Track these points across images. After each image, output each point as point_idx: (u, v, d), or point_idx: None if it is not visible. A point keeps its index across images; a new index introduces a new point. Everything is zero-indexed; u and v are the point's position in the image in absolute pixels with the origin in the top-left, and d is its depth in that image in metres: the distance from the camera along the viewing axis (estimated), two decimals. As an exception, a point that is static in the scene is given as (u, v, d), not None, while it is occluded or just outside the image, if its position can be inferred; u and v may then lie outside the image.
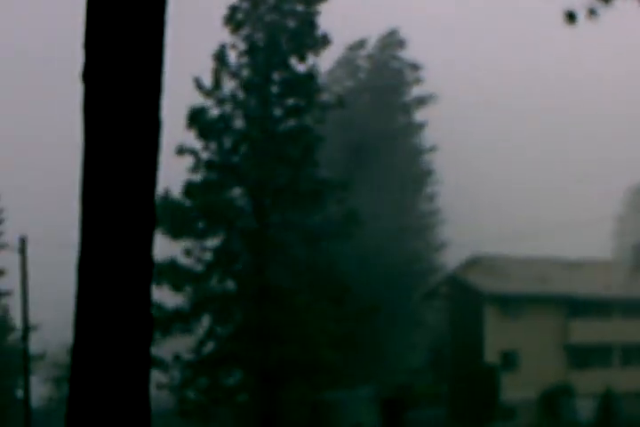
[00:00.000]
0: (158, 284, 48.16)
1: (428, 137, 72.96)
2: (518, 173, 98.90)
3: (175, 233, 50.77)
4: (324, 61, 54.89)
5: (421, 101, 72.55)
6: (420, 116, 72.85)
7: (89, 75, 6.18)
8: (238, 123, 52.89)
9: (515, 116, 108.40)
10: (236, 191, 52.35)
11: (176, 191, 51.71)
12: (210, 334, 51.84)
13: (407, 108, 73.10)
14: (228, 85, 52.17)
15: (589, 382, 56.98)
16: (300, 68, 52.41)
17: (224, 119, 52.27)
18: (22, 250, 44.24)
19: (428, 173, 73.46)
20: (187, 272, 51.25)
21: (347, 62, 75.10)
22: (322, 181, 51.72)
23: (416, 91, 73.15)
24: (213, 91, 51.58)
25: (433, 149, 72.69)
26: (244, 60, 52.24)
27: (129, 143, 6.06)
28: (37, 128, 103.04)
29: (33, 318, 49.28)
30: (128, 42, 6.11)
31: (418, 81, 72.95)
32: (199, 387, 50.79)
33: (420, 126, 73.04)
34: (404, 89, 73.41)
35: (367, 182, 63.61)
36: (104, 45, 6.12)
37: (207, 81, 51.86)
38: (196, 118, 50.75)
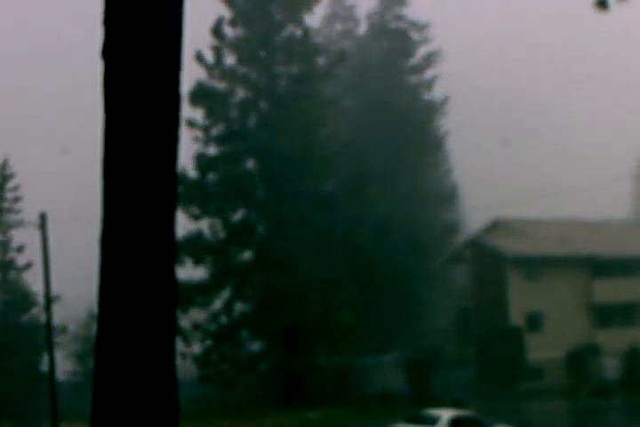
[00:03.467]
0: (179, 259, 48.27)
1: (439, 95, 71.81)
2: (535, 133, 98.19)
3: (194, 212, 50.93)
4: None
5: (429, 60, 71.00)
6: (429, 74, 71.51)
7: (108, 52, 6.12)
8: (243, 95, 52.74)
9: (530, 72, 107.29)
10: (249, 164, 52.20)
11: (188, 166, 51.65)
12: (230, 303, 52.02)
13: (416, 69, 71.63)
14: (229, 59, 52.11)
15: (614, 341, 56.90)
16: (297, 31, 52.22)
17: (229, 92, 52.16)
18: (42, 226, 44.08)
19: (442, 136, 72.51)
20: (207, 246, 51.32)
21: (337, 19, 73.79)
22: (333, 144, 51.48)
23: (422, 50, 71.64)
24: (215, 66, 51.43)
25: (444, 103, 71.18)
26: (240, 31, 52.02)
27: (149, 119, 6.00)
28: (56, 100, 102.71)
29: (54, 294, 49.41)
30: (147, 18, 6.05)
31: (425, 40, 71.41)
32: (222, 356, 51.06)
33: (429, 85, 71.65)
34: (411, 49, 71.85)
35: (381, 145, 63.02)
36: (123, 22, 6.06)
37: (207, 56, 51.83)
38: (201, 93, 50.60)
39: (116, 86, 6.04)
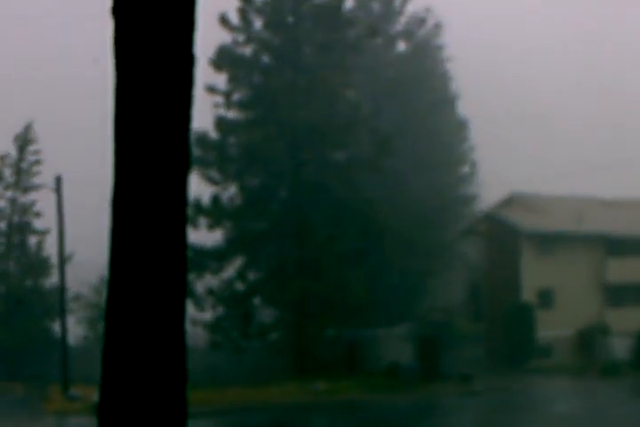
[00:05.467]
0: (194, 222, 48.33)
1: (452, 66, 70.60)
2: (554, 111, 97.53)
3: (212, 176, 50.97)
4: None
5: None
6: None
7: (119, 9, 5.93)
8: (267, 60, 52.50)
9: (549, 49, 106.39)
10: (269, 130, 52.02)
11: (209, 130, 51.68)
12: (243, 271, 52.15)
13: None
14: (255, 24, 51.82)
15: (625, 321, 56.84)
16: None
17: (254, 57, 51.92)
18: (58, 189, 44.30)
19: (456, 97, 71.47)
20: (224, 210, 51.40)
21: None
22: (354, 111, 51.23)
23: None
24: (241, 28, 51.17)
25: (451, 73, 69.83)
26: None
27: (162, 79, 5.85)
28: (72, 65, 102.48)
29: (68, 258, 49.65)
30: None
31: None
32: (233, 323, 51.29)
33: (434, 49, 70.30)
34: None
35: (394, 115, 62.41)
36: None
37: (233, 19, 51.55)
38: (225, 57, 50.39)
39: (127, 46, 5.88)
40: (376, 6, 68.41)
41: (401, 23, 69.83)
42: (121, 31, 5.91)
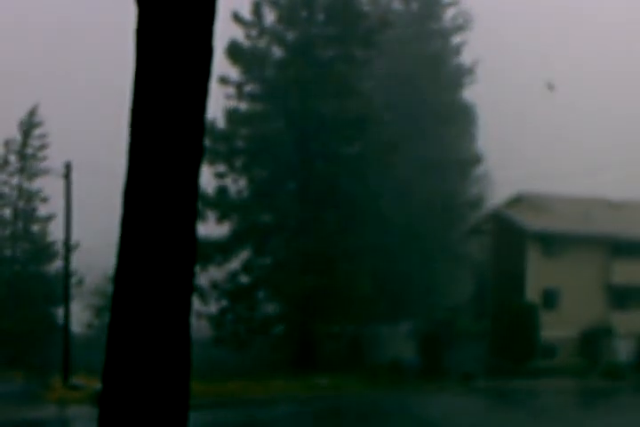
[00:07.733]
0: (202, 215, 48.31)
1: (468, 59, 70.61)
2: (561, 111, 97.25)
3: (220, 169, 50.99)
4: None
5: (458, 26, 69.54)
6: (457, 37, 70.03)
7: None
8: (279, 54, 52.53)
9: (561, 45, 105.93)
10: (279, 123, 52.01)
11: (219, 120, 51.69)
12: (248, 264, 52.16)
13: (444, 34, 70.19)
14: (268, 17, 51.92)
15: (630, 323, 56.71)
16: None
17: (266, 51, 51.94)
18: (67, 175, 44.37)
19: (467, 107, 71.52)
20: (231, 203, 51.41)
21: None
22: (364, 106, 51.22)
23: (451, 12, 70.29)
24: (254, 22, 51.21)
25: (471, 72, 70.02)
26: None
27: (180, 70, 5.92)
28: (87, 52, 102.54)
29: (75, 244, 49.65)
30: None
31: (454, 3, 70.14)
32: (237, 316, 51.32)
33: (457, 50, 70.43)
34: (439, 13, 70.58)
35: (406, 114, 62.39)
36: None
37: (245, 15, 51.64)
38: (237, 50, 50.43)
39: (148, 35, 5.93)
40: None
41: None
42: (144, 21, 5.96)
